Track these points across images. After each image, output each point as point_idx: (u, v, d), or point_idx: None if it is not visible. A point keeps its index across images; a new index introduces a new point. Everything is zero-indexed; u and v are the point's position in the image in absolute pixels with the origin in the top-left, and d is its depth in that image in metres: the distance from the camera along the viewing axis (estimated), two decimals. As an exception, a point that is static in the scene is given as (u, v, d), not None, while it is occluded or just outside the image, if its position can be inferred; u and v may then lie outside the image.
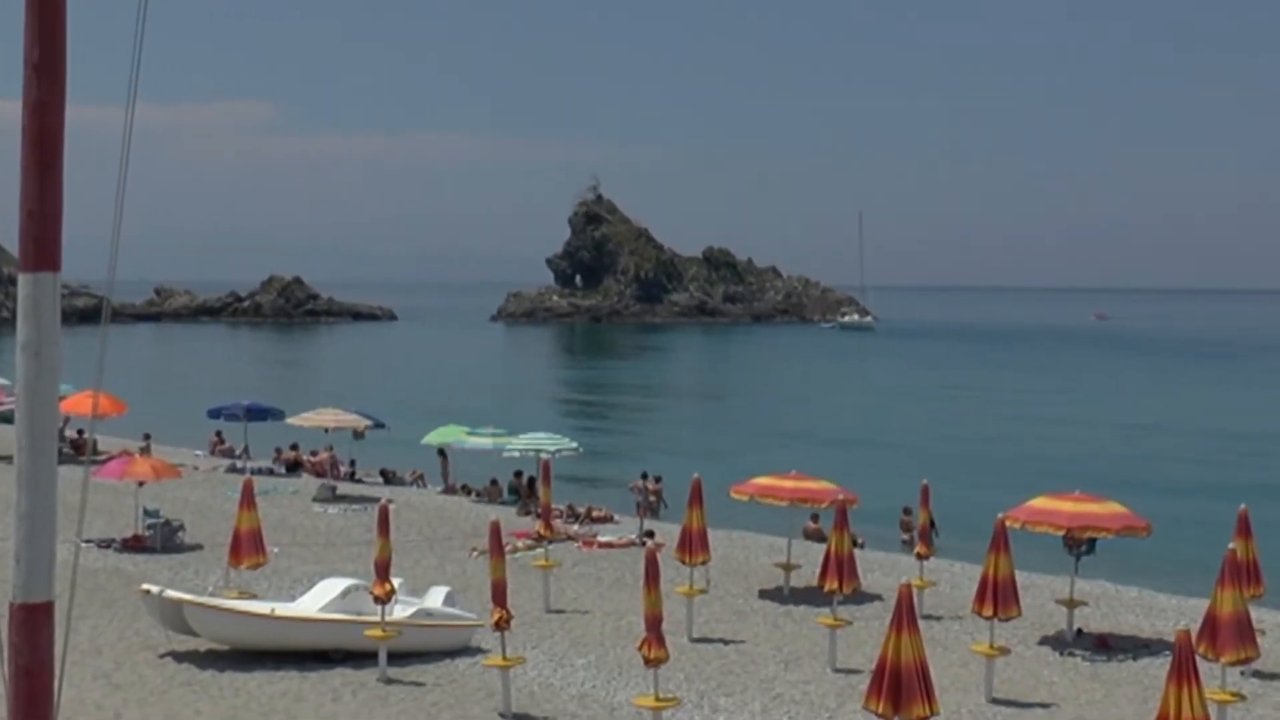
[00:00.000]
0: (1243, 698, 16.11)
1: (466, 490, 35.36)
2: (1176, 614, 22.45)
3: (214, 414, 39.98)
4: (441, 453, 36.63)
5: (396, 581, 17.82)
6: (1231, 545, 15.82)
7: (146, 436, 39.53)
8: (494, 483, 34.66)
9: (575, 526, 29.62)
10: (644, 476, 32.45)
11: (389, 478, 37.98)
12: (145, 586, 18.35)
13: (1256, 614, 17.73)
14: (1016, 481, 36.64)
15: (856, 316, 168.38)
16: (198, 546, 25.95)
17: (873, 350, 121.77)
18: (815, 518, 28.45)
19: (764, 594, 23.22)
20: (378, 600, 17.48)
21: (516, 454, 32.79)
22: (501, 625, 16.07)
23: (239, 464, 38.64)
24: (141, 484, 26.25)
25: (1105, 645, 20.22)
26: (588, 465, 41.05)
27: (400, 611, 18.24)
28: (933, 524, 23.52)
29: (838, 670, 18.38)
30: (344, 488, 34.61)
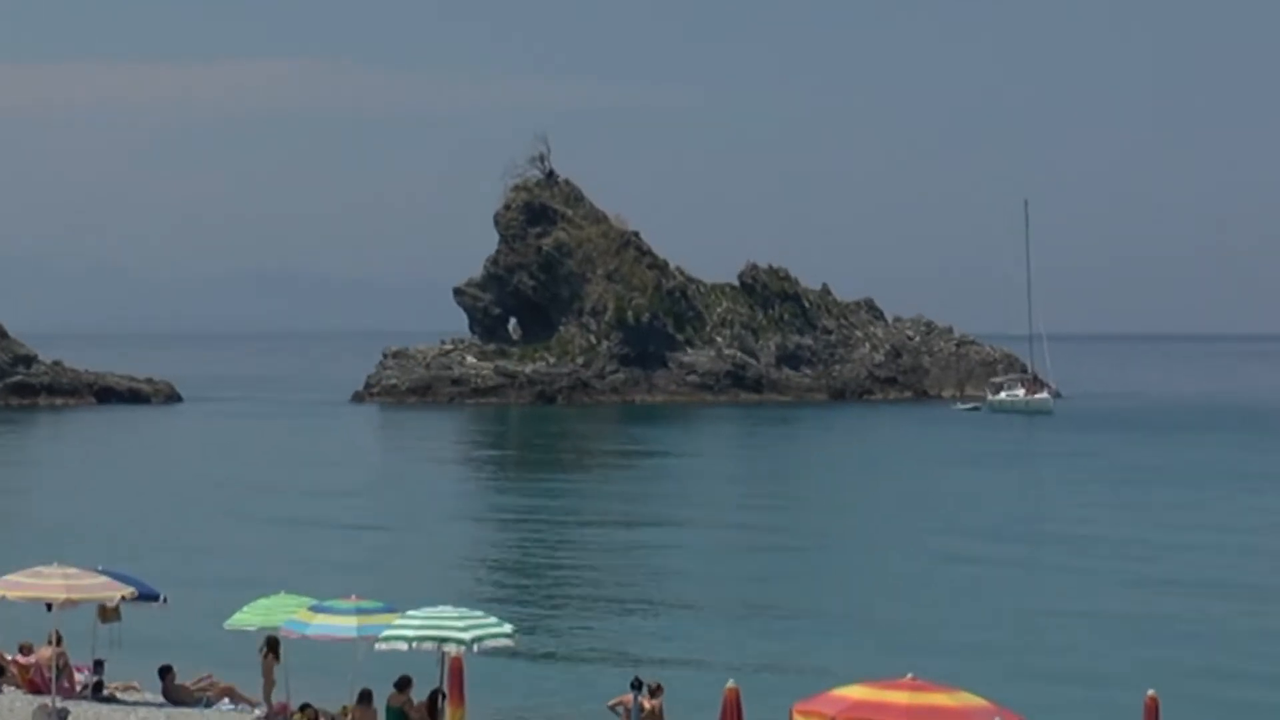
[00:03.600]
0: None
1: (309, 714, 35.22)
2: None
3: None
4: (269, 645, 36.45)
5: None
6: None
7: None
8: (364, 699, 34.55)
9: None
10: (635, 686, 32.38)
11: (171, 692, 37.88)
12: None
13: None
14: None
15: (1021, 391, 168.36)
16: None
17: (1052, 452, 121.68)
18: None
19: None
20: None
21: (403, 647, 32.69)
22: None
23: (-109, 669, 38.46)
24: None
25: None
26: (531, 666, 40.81)
27: None
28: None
29: None
30: (81, 711, 34.50)
